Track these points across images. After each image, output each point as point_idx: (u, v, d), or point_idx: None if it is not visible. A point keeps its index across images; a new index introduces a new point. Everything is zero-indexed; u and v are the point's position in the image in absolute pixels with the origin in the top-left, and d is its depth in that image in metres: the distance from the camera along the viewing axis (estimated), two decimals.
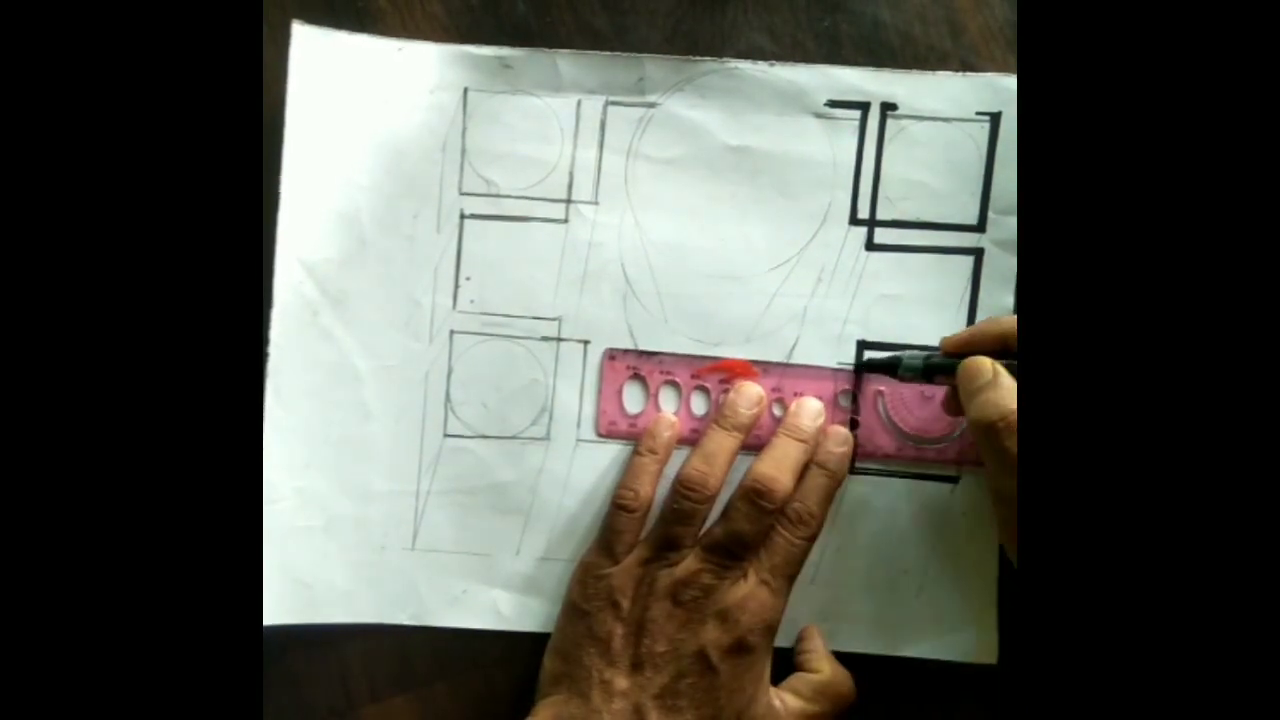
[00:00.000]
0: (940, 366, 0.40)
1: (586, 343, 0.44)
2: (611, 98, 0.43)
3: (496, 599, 0.44)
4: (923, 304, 0.44)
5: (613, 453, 0.44)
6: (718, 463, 0.41)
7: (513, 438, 0.44)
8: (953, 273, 0.44)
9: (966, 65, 0.44)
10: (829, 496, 0.41)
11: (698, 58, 0.43)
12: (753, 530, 0.40)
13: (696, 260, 0.44)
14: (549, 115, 0.44)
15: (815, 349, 0.44)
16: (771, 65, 0.43)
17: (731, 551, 0.40)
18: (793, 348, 0.44)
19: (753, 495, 0.40)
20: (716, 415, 0.43)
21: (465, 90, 0.44)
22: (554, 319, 0.44)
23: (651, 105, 0.43)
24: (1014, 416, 0.36)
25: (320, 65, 0.43)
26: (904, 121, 0.43)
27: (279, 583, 0.43)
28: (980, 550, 0.43)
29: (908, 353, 0.41)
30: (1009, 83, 0.43)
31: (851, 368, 0.44)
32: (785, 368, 0.44)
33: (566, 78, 0.43)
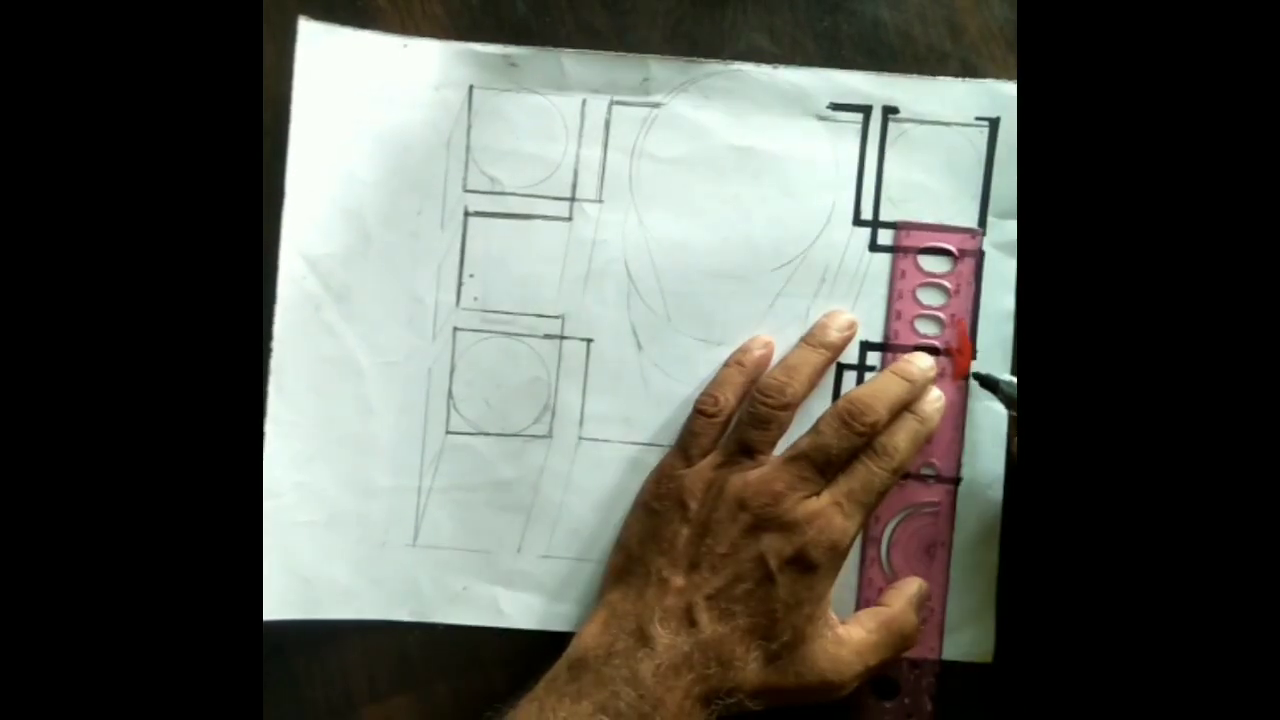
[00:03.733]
0: None
1: (589, 341, 0.44)
2: (616, 97, 0.44)
3: (497, 596, 0.44)
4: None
5: (614, 451, 0.44)
6: (799, 374, 0.41)
7: (515, 435, 0.44)
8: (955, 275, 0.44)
9: (966, 65, 0.44)
10: (917, 441, 0.41)
11: (702, 59, 0.44)
12: (838, 447, 0.39)
13: (700, 260, 0.44)
14: (554, 114, 0.44)
15: None
16: (775, 68, 0.44)
17: (814, 463, 0.39)
18: (795, 348, 0.44)
19: (845, 415, 0.40)
20: (806, 335, 0.43)
21: (470, 88, 0.44)
22: (557, 317, 0.44)
23: (656, 105, 0.44)
24: None
25: (325, 61, 0.43)
26: (905, 125, 0.44)
27: (280, 578, 0.42)
28: (979, 550, 0.43)
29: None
30: (1008, 89, 0.44)
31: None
32: None
33: (572, 77, 0.44)
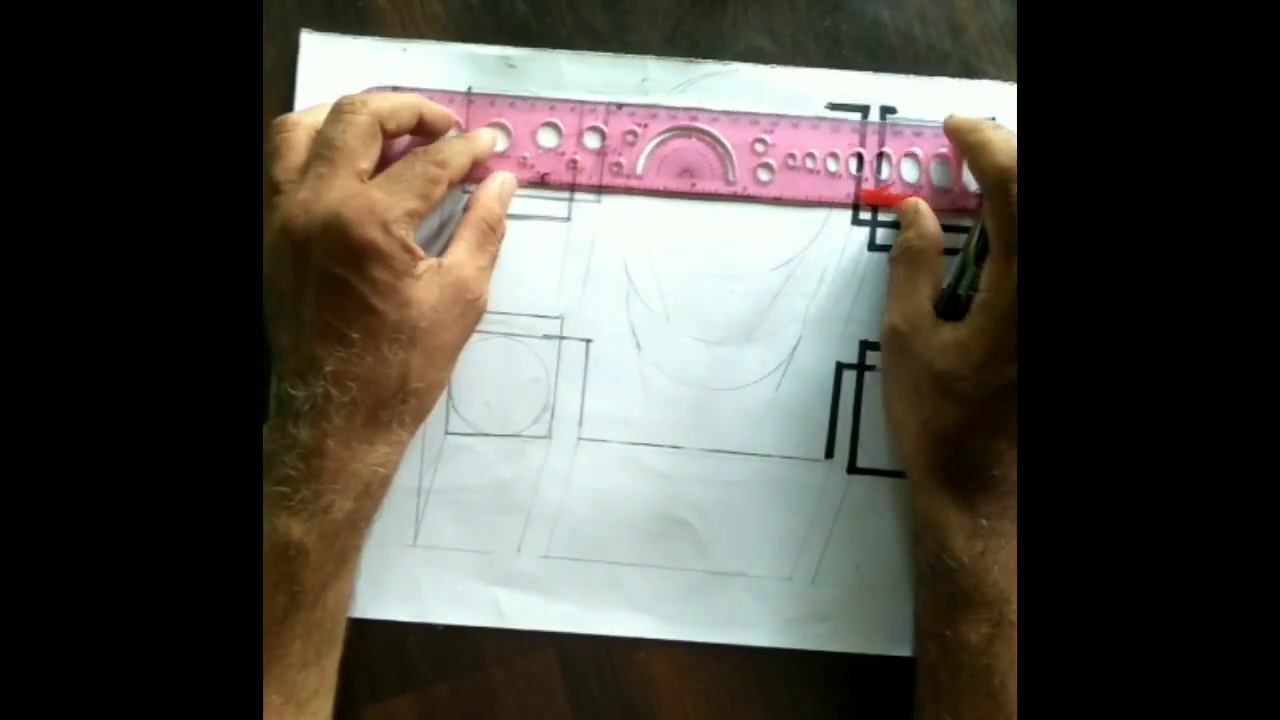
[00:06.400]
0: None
1: (588, 341, 0.44)
2: (614, 98, 0.44)
3: (497, 597, 0.43)
4: None
5: (613, 451, 0.44)
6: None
7: (514, 436, 0.44)
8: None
9: (966, 66, 0.44)
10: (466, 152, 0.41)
11: (700, 60, 0.44)
12: (335, 131, 0.38)
13: (699, 260, 0.44)
14: (552, 114, 0.44)
15: (817, 349, 0.44)
16: (772, 68, 0.44)
17: (321, 156, 0.38)
18: (794, 348, 0.44)
19: (337, 104, 0.39)
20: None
21: (469, 90, 0.44)
22: (556, 317, 0.44)
23: (654, 106, 0.44)
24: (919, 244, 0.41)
25: (327, 69, 0.43)
26: (902, 125, 0.44)
27: None
28: None
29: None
30: (1005, 88, 0.44)
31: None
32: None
33: (570, 77, 0.43)
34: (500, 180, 0.43)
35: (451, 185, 0.40)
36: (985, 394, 0.37)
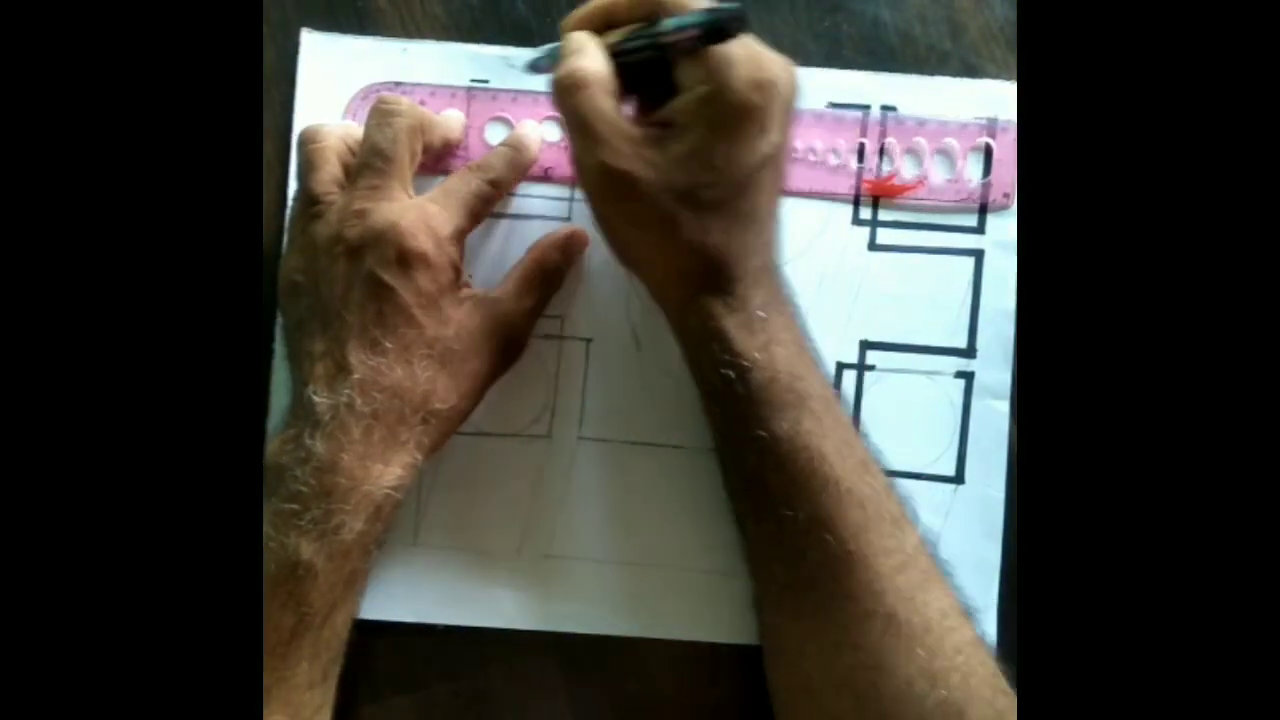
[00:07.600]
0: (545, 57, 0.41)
1: (588, 341, 0.44)
2: None
3: (497, 597, 0.43)
4: (924, 304, 0.44)
5: (614, 451, 0.44)
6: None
7: (514, 435, 0.44)
8: (954, 274, 0.44)
9: (967, 65, 0.44)
10: (513, 165, 0.42)
11: None
12: (384, 139, 0.39)
13: None
14: (552, 113, 0.44)
15: (818, 348, 0.44)
16: None
17: (371, 166, 0.39)
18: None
19: (378, 103, 0.40)
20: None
21: (469, 89, 0.44)
22: (556, 317, 0.44)
23: None
24: (582, 76, 0.36)
25: (327, 69, 0.44)
26: (905, 117, 0.44)
27: None
28: (982, 550, 0.43)
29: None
30: (1006, 88, 0.44)
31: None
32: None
33: None
34: (568, 231, 0.43)
35: (499, 200, 0.41)
36: (729, 190, 0.36)
